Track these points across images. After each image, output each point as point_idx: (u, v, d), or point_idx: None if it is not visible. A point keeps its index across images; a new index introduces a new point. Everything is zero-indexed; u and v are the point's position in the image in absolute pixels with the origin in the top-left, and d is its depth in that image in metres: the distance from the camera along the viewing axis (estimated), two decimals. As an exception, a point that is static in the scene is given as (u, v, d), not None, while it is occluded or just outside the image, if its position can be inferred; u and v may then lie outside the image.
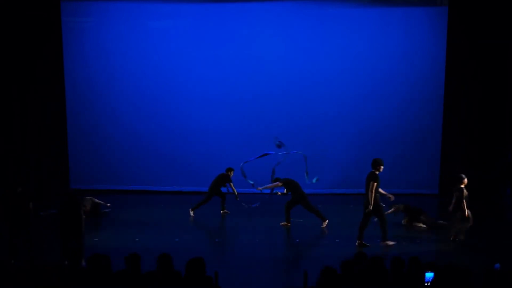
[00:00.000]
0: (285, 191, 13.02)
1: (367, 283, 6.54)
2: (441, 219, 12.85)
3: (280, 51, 15.87)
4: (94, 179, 16.04)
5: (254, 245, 11.75)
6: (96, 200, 13.53)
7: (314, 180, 13.42)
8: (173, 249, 10.26)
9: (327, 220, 12.68)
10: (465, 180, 11.28)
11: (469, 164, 15.66)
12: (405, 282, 6.67)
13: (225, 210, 14.02)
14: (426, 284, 6.72)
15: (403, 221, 13.04)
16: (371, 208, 10.95)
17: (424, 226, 12.73)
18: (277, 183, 12.90)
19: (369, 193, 10.90)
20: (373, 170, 11.11)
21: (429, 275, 6.73)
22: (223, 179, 13.83)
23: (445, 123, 15.82)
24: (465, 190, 11.23)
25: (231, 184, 13.82)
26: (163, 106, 16.11)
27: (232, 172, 13.92)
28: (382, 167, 11.11)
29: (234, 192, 13.86)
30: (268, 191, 13.64)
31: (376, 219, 11.56)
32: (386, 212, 11.96)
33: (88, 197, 13.41)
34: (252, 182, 13.25)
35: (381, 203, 11.23)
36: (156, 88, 16.07)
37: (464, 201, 11.28)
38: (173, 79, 16.04)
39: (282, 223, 12.82)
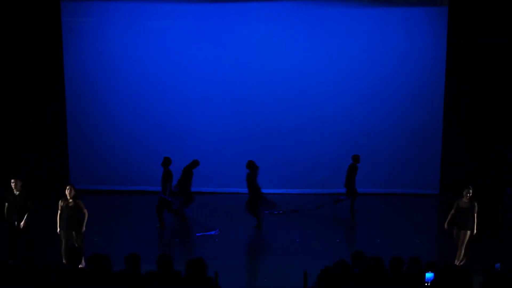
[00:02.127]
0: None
1: (367, 283, 6.54)
2: None
3: (280, 51, 15.86)
4: (94, 179, 16.02)
5: (254, 245, 11.77)
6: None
7: None
8: (173, 249, 10.30)
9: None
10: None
11: (469, 164, 15.65)
12: (405, 282, 6.66)
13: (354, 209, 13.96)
14: (426, 284, 6.73)
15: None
16: None
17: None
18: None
19: None
20: None
21: (429, 275, 6.74)
22: (351, 170, 13.89)
23: (445, 123, 15.80)
24: None
25: None
26: (163, 106, 16.09)
27: (358, 159, 13.96)
28: None
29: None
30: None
31: None
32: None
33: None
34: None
35: None
36: (156, 88, 16.05)
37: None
38: (173, 79, 16.03)
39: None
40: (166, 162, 12.85)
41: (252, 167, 13.11)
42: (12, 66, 15.81)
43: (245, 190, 14.29)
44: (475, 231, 10.29)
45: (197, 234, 12.28)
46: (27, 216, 10.32)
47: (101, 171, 16.16)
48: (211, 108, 16.03)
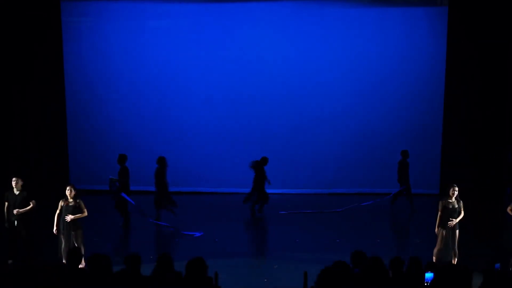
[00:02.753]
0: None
1: (367, 283, 6.54)
2: None
3: (280, 51, 15.84)
4: (94, 179, 16.00)
5: (254, 245, 11.76)
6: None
7: None
8: (173, 249, 10.29)
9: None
10: None
11: (469, 164, 15.64)
12: (405, 282, 6.66)
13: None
14: (426, 284, 6.73)
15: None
16: None
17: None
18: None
19: None
20: None
21: (429, 275, 6.74)
22: (402, 166, 13.90)
23: (445, 123, 15.80)
24: None
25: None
26: (163, 106, 16.08)
27: (407, 154, 13.93)
28: None
29: None
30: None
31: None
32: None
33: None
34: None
35: None
36: (156, 88, 16.05)
37: None
38: (173, 79, 16.02)
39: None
40: (122, 159, 12.87)
41: (161, 163, 13.18)
42: (12, 66, 15.81)
43: (245, 190, 14.34)
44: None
45: (183, 233, 12.30)
46: (28, 210, 10.29)
47: (101, 171, 16.11)
48: (211, 108, 16.02)
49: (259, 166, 13.73)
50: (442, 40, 15.43)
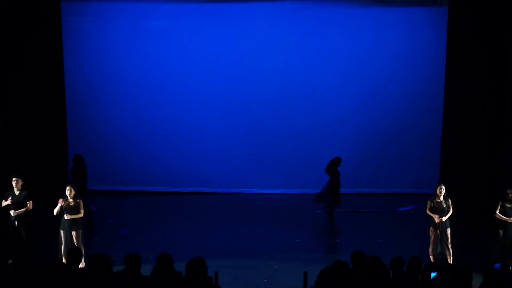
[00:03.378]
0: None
1: (367, 283, 6.53)
2: None
3: (279, 52, 15.83)
4: (94, 179, 15.96)
5: (254, 245, 11.76)
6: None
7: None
8: (173, 249, 10.28)
9: None
10: None
11: (469, 164, 15.63)
12: (405, 282, 6.66)
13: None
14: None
15: None
16: None
17: None
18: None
19: None
20: None
21: (433, 275, 6.74)
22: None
23: (445, 123, 15.80)
24: None
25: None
26: (163, 106, 16.08)
27: None
28: None
29: None
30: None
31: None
32: None
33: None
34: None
35: None
36: (156, 88, 16.04)
37: None
38: (173, 79, 16.02)
39: None
40: (77, 159, 12.86)
41: (76, 161, 13.23)
42: (12, 66, 15.79)
43: (245, 190, 14.36)
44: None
45: (122, 232, 12.30)
46: (24, 211, 10.30)
47: (101, 171, 16.13)
48: (211, 108, 16.01)
49: (332, 167, 13.55)
50: (442, 40, 15.42)
